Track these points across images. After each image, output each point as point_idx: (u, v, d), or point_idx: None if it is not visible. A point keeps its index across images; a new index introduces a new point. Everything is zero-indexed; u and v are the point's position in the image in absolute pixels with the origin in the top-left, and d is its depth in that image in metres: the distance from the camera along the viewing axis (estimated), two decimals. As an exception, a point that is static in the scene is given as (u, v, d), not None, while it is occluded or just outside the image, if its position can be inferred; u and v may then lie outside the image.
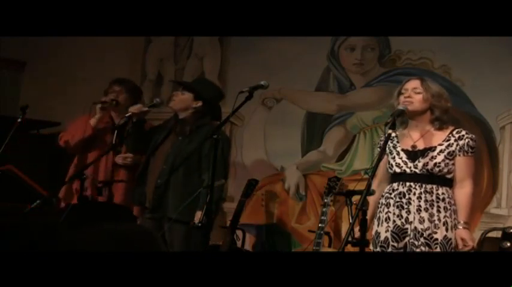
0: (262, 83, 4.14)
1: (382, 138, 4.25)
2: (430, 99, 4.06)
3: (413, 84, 4.10)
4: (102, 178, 5.02)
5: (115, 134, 4.97)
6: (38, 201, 4.47)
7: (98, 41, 6.33)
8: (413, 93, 4.06)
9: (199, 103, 4.79)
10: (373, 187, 3.60)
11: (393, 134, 3.85)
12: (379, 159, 3.78)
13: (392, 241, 4.04)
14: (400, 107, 4.03)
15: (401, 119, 4.10)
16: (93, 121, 5.08)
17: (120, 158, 5.07)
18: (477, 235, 4.97)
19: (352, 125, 5.88)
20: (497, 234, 4.56)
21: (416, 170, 4.05)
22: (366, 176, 5.30)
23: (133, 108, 4.80)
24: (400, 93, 4.12)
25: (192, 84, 4.97)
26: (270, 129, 6.16)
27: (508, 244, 4.16)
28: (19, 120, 4.99)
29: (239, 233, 5.58)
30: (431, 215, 4.00)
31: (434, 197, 4.02)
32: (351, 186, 5.31)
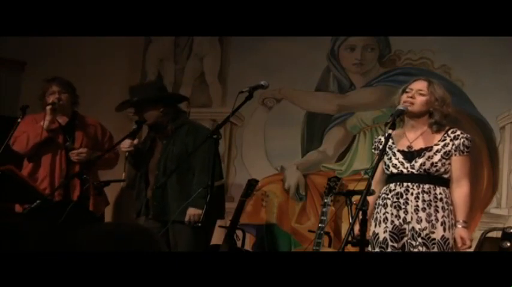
0: (262, 83, 4.14)
1: (377, 139, 4.27)
2: (432, 103, 4.05)
3: (420, 85, 4.09)
4: (58, 177, 5.02)
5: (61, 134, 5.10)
6: (38, 201, 4.47)
7: (98, 41, 6.33)
8: (417, 95, 4.05)
9: (162, 107, 4.82)
10: (372, 187, 3.60)
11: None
12: (380, 159, 3.78)
13: (391, 242, 4.04)
14: (400, 107, 4.02)
15: (400, 119, 4.09)
16: (45, 124, 5.05)
17: (74, 154, 5.06)
18: (477, 235, 4.97)
19: (352, 125, 5.88)
20: (497, 234, 4.55)
21: (413, 171, 4.05)
22: (366, 176, 5.31)
23: (125, 147, 4.82)
24: (404, 91, 4.11)
25: (139, 99, 4.92)
26: (270, 130, 6.15)
27: (508, 244, 4.15)
28: (19, 120, 4.99)
29: (239, 233, 5.57)
30: (428, 215, 4.00)
31: (432, 197, 4.02)
32: (351, 186, 5.30)
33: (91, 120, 5.29)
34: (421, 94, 4.05)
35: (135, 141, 4.86)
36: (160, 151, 4.88)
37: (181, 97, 5.18)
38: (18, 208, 5.05)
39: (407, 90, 4.09)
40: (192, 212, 4.65)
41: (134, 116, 5.32)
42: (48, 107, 5.06)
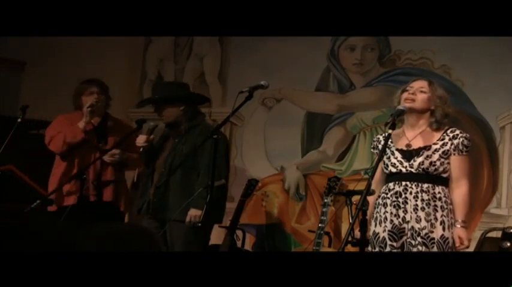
0: (262, 83, 4.14)
1: (376, 139, 4.28)
2: (434, 101, 4.05)
3: (420, 84, 4.09)
4: (92, 177, 5.04)
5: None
6: (38, 201, 4.47)
7: (98, 41, 6.33)
8: (418, 92, 4.05)
9: (183, 106, 4.83)
10: (372, 187, 3.60)
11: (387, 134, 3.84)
12: (380, 159, 3.78)
13: (390, 241, 4.04)
14: (400, 107, 4.02)
15: (399, 119, 4.09)
16: (82, 124, 5.07)
17: (107, 156, 5.09)
18: (477, 235, 4.97)
19: (352, 125, 5.88)
20: (497, 234, 4.56)
21: (412, 170, 4.05)
22: (366, 176, 5.31)
23: (140, 143, 4.83)
24: (404, 91, 4.11)
25: (161, 96, 4.93)
26: (270, 130, 6.16)
27: (508, 244, 4.16)
28: (19, 120, 4.99)
29: (239, 233, 5.57)
30: (428, 214, 4.00)
31: (430, 196, 4.02)
32: (351, 186, 5.30)
33: (122, 121, 5.31)
34: (422, 92, 4.06)
35: (151, 137, 4.86)
36: (170, 148, 4.87)
37: (204, 98, 5.17)
38: (52, 208, 5.04)
39: (407, 88, 4.09)
40: (194, 213, 4.64)
41: (135, 115, 5.32)
42: (88, 109, 5.09)
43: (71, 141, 5.05)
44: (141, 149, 4.85)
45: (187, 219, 4.65)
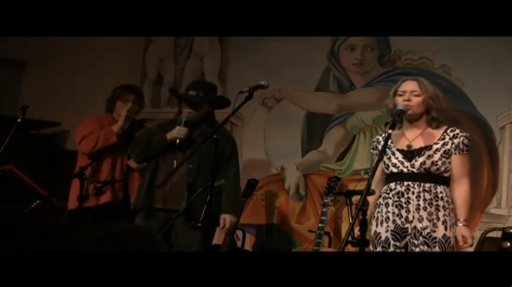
0: (262, 83, 4.14)
1: (375, 139, 4.28)
2: (427, 101, 4.07)
3: (411, 86, 4.09)
4: (119, 178, 5.12)
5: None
6: (38, 201, 4.48)
7: (98, 41, 6.33)
8: (412, 96, 4.05)
9: (211, 107, 4.85)
10: (372, 187, 3.60)
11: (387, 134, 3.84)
12: (380, 159, 3.79)
13: (394, 241, 4.04)
14: (400, 107, 4.02)
15: (399, 119, 4.10)
16: (116, 128, 5.13)
17: (133, 163, 5.12)
18: (477, 235, 4.97)
19: (352, 125, 5.88)
20: (497, 234, 4.56)
21: (414, 170, 4.05)
22: (366, 176, 5.31)
23: (181, 135, 4.73)
24: (396, 94, 4.11)
25: (211, 97, 4.88)
26: (270, 130, 6.15)
27: (508, 244, 4.16)
28: (19, 120, 5.00)
29: (239, 233, 5.57)
30: (430, 213, 4.01)
31: (432, 196, 4.03)
32: (351, 186, 5.31)
33: (147, 127, 5.33)
34: (416, 95, 4.06)
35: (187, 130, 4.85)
36: (194, 145, 4.80)
37: (228, 101, 5.14)
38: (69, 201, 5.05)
39: (399, 93, 4.09)
40: (229, 219, 4.66)
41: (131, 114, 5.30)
42: (125, 115, 5.14)
43: (104, 143, 5.08)
44: (177, 142, 4.73)
45: (221, 224, 4.65)
